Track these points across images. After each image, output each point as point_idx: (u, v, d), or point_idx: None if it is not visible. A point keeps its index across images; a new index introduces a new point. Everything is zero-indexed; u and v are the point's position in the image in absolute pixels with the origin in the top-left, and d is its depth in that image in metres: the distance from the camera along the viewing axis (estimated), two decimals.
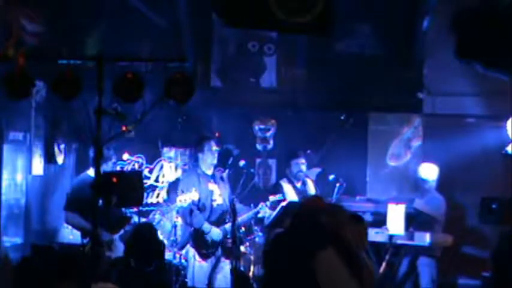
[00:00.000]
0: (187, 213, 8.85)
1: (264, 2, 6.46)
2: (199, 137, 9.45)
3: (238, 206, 9.22)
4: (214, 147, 9.21)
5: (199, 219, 8.91)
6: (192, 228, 9.01)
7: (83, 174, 9.12)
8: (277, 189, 9.72)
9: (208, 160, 9.18)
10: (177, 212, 9.33)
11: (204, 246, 9.00)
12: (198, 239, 9.00)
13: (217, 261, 9.11)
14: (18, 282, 5.98)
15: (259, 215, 9.48)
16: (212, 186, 9.13)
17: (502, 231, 8.18)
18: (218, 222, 9.08)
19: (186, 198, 8.71)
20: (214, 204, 9.09)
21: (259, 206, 9.33)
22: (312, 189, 9.83)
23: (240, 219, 9.07)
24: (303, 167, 9.80)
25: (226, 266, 9.11)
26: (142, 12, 9.97)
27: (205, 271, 9.02)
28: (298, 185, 9.83)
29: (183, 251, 9.22)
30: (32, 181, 9.38)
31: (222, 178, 9.35)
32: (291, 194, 9.65)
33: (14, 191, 9.02)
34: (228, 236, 9.03)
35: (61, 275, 5.92)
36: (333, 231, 5.75)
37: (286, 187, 9.74)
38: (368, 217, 9.36)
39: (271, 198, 9.38)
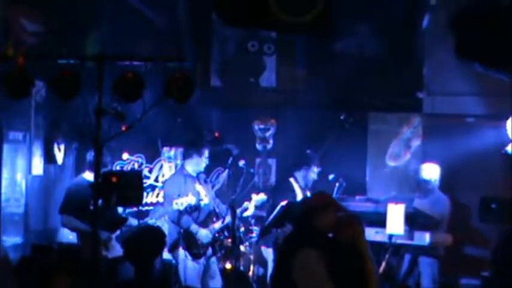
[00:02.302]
0: (177, 213, 8.88)
1: (264, 1, 6.46)
2: (202, 139, 9.45)
3: (222, 207, 9.26)
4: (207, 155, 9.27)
5: (186, 220, 8.93)
6: (182, 229, 9.03)
7: (79, 177, 9.13)
8: (288, 187, 9.70)
9: (201, 165, 9.20)
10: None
11: (194, 246, 9.00)
12: (189, 240, 9.01)
13: (208, 262, 9.12)
14: (18, 282, 5.98)
15: (245, 214, 9.50)
16: (198, 187, 9.15)
17: (502, 231, 8.19)
18: (206, 222, 9.09)
19: (182, 202, 8.73)
20: (202, 204, 9.11)
21: (244, 204, 9.36)
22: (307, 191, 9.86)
23: (227, 220, 9.10)
24: (314, 176, 9.80)
25: (216, 267, 9.14)
26: (142, 12, 9.97)
27: (197, 272, 9.03)
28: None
29: (174, 252, 9.21)
30: (31, 181, 9.38)
31: (205, 180, 9.39)
32: (299, 193, 9.65)
33: (13, 191, 9.02)
34: (217, 236, 9.07)
35: (57, 270, 5.93)
36: (323, 230, 5.74)
37: (295, 186, 9.73)
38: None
39: (255, 197, 9.38)
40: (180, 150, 11.07)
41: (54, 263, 6.68)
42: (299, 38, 10.83)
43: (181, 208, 8.76)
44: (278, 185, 10.25)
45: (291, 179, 9.77)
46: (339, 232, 5.67)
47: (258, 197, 9.44)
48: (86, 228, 8.45)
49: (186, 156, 9.39)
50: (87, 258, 7.88)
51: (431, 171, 9.80)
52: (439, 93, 10.80)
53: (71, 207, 8.67)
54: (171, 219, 9.10)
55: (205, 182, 9.42)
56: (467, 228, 10.51)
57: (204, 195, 9.13)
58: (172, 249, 9.12)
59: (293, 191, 9.61)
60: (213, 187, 10.46)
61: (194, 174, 9.19)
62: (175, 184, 9.08)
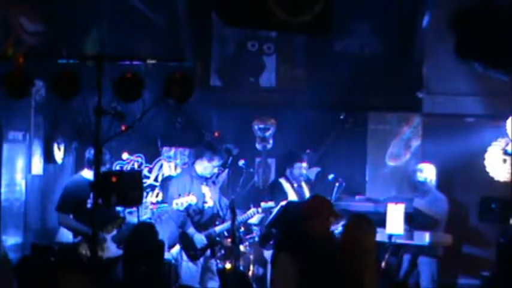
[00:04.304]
0: (178, 213, 8.88)
1: (264, 1, 6.46)
2: (218, 145, 9.48)
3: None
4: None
5: (185, 222, 8.94)
6: (181, 230, 9.04)
7: (77, 176, 9.13)
8: (278, 187, 9.71)
9: (208, 170, 9.18)
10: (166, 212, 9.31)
11: (191, 247, 9.01)
12: (186, 241, 9.01)
13: (207, 263, 9.12)
14: (18, 282, 5.99)
15: (249, 221, 9.49)
16: (204, 188, 9.14)
17: (504, 229, 8.20)
18: (208, 225, 9.10)
19: (183, 202, 8.72)
20: (206, 206, 9.11)
21: (250, 210, 9.33)
22: (306, 190, 9.84)
23: (226, 224, 9.10)
24: (304, 171, 9.78)
25: (214, 267, 9.15)
26: (142, 12, 9.97)
27: (193, 272, 9.03)
28: (295, 185, 9.81)
29: (173, 251, 9.22)
30: (31, 181, 9.38)
31: (213, 182, 9.38)
32: (290, 193, 9.65)
33: (13, 191, 9.01)
34: (218, 239, 9.07)
35: (68, 268, 5.93)
36: (312, 236, 5.76)
37: (286, 186, 9.74)
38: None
39: (263, 204, 9.37)
40: (180, 150, 11.08)
41: (56, 263, 6.69)
42: (299, 38, 10.83)
43: (181, 208, 8.76)
44: (270, 186, 10.24)
45: (282, 180, 9.78)
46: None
47: (267, 205, 9.40)
48: (81, 228, 8.45)
49: (197, 156, 9.42)
50: (83, 258, 7.90)
51: (426, 172, 9.80)
52: (439, 93, 10.79)
53: (68, 205, 8.67)
54: (172, 219, 9.10)
55: (214, 183, 9.39)
56: (467, 228, 10.51)
57: (209, 197, 9.14)
58: (171, 249, 9.14)
59: (283, 192, 9.61)
60: None
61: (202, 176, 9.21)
62: (180, 183, 9.07)
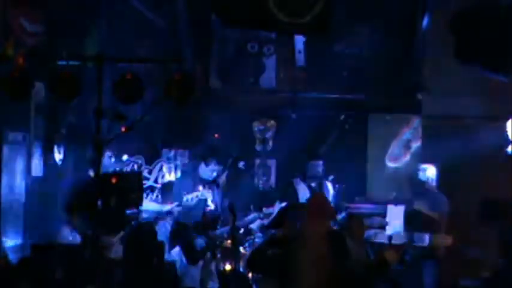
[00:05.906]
0: (180, 214, 8.90)
1: (264, 2, 6.47)
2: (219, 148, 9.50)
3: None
4: None
5: (187, 224, 8.95)
6: (181, 231, 9.03)
7: (85, 175, 9.06)
8: (289, 189, 9.68)
9: (206, 174, 9.16)
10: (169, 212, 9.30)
11: (190, 249, 9.00)
12: (186, 243, 9.01)
13: (208, 265, 9.12)
14: (18, 282, 5.99)
15: (251, 225, 9.49)
16: (207, 192, 9.14)
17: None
18: (209, 228, 9.09)
19: (193, 196, 8.73)
20: (207, 209, 9.10)
21: (252, 215, 9.31)
22: (330, 189, 9.76)
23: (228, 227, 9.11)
24: (319, 169, 9.73)
25: (214, 269, 9.15)
26: (142, 13, 9.98)
27: (193, 274, 9.02)
28: (313, 184, 9.74)
29: (173, 252, 9.21)
30: (31, 182, 9.37)
31: (217, 184, 9.38)
32: (303, 193, 9.61)
33: (13, 192, 9.01)
34: (217, 242, 9.08)
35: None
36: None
37: (300, 186, 9.69)
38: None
39: (265, 210, 9.36)
40: (180, 151, 11.07)
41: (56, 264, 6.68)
42: (298, 39, 10.83)
43: (191, 203, 8.75)
44: (281, 188, 10.23)
45: (295, 180, 9.74)
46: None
47: (268, 211, 9.40)
48: (87, 230, 8.39)
49: (197, 158, 9.46)
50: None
51: (426, 172, 9.80)
52: (439, 94, 10.79)
53: (76, 206, 8.57)
54: (174, 219, 9.10)
55: (218, 186, 9.37)
56: (467, 229, 10.49)
57: (210, 201, 9.13)
58: (171, 250, 9.14)
59: (293, 193, 9.58)
60: None
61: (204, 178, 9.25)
62: (183, 185, 9.08)
